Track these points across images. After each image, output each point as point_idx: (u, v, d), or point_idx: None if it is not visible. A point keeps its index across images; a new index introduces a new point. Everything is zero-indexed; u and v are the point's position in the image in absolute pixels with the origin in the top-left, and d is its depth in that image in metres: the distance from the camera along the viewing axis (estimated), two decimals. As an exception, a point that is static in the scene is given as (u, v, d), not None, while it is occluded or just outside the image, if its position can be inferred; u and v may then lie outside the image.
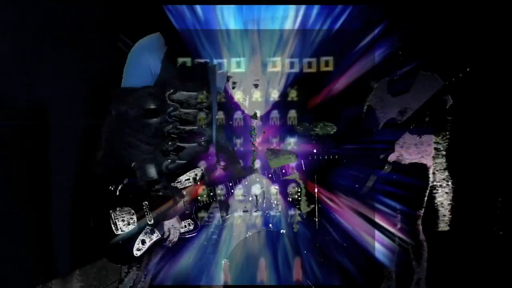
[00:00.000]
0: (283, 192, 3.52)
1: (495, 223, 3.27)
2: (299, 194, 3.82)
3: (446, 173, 3.58)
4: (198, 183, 1.91)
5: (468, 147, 3.42)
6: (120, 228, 1.77)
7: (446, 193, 3.59)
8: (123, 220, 1.77)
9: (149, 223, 1.83)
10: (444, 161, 3.53)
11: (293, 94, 4.44)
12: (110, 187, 1.77)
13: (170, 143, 1.82)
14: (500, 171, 3.28)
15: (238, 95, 4.24)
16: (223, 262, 3.00)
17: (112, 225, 1.77)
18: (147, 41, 1.81)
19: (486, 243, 3.24)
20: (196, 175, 1.91)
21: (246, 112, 4.16)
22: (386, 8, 3.74)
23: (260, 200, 3.38)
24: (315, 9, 4.13)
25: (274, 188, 3.50)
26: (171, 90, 1.78)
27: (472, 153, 3.40)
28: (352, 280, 3.21)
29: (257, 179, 3.56)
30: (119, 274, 1.92)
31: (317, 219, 3.55)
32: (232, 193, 1.98)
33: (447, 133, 3.39)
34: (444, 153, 3.50)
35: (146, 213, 1.81)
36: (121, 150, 1.71)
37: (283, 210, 3.43)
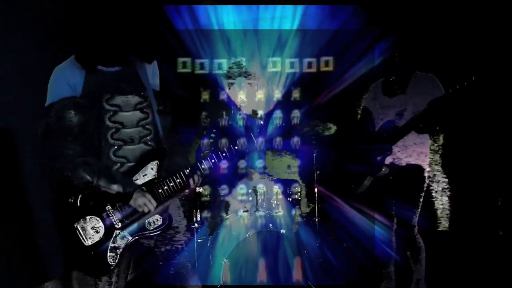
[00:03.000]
0: (284, 192, 3.52)
1: (495, 223, 3.26)
2: (299, 194, 3.82)
3: (445, 173, 3.58)
4: (156, 175, 1.89)
5: (466, 146, 3.42)
6: (89, 238, 1.76)
7: (445, 193, 3.59)
8: (90, 230, 1.76)
9: (117, 227, 1.81)
10: (442, 161, 3.53)
11: (296, 95, 4.45)
12: (70, 199, 1.77)
13: (115, 147, 1.84)
14: (499, 171, 3.28)
15: (239, 96, 4.25)
16: (223, 262, 3.00)
17: (80, 237, 1.75)
18: (63, 64, 1.87)
19: (485, 243, 3.24)
20: (152, 168, 1.89)
21: (245, 111, 4.16)
22: (384, 9, 3.75)
23: (261, 200, 3.38)
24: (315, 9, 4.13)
25: (275, 188, 3.50)
26: (108, 95, 1.82)
27: (470, 152, 3.39)
28: (352, 280, 3.21)
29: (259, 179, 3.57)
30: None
31: (317, 219, 3.55)
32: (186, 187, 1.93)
33: (444, 132, 3.39)
34: (441, 153, 3.50)
35: (111, 217, 1.80)
36: (51, 163, 1.76)
37: (283, 210, 3.42)
